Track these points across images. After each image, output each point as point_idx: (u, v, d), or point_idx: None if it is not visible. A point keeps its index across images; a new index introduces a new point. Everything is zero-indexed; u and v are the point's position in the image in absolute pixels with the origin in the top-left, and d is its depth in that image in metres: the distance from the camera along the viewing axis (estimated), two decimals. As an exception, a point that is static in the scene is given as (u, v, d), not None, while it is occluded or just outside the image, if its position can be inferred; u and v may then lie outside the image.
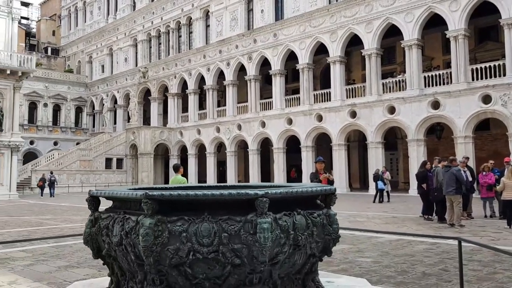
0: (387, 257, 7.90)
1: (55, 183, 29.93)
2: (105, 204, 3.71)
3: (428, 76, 25.75)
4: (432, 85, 25.21)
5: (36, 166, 36.37)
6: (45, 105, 44.57)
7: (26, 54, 31.51)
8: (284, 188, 3.48)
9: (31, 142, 43.22)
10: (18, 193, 30.02)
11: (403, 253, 8.33)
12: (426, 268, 6.94)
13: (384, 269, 6.96)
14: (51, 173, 31.04)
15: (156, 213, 3.30)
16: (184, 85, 38.61)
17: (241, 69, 34.78)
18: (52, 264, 7.55)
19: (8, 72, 28.50)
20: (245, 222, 3.22)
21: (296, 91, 33.15)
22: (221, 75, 36.05)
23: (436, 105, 24.49)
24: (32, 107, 43.95)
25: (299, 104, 31.38)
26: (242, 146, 36.06)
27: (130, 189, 3.99)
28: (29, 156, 41.78)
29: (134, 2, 43.79)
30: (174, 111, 39.10)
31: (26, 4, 58.43)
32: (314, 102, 30.81)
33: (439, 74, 25.35)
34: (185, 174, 35.74)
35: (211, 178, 36.05)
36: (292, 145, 32.48)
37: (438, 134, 28.46)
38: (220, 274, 3.28)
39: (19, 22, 50.84)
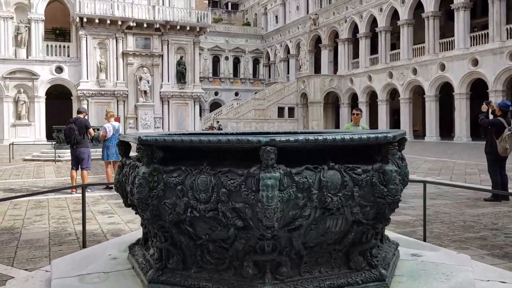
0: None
1: (221, 129, 32.36)
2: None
3: None
4: None
5: (218, 115, 39.52)
6: (226, 58, 47.62)
7: (204, 10, 33.65)
8: (306, 135, 2.66)
9: (216, 93, 47.00)
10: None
11: None
12: None
13: (540, 243, 5.40)
14: (218, 122, 33.51)
15: (156, 162, 2.88)
16: (355, 29, 36.78)
17: (418, 7, 31.34)
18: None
19: (188, 28, 30.98)
20: (248, 177, 2.56)
21: (485, 26, 28.57)
22: (394, 15, 33.15)
23: None
24: (215, 60, 47.43)
25: (487, 41, 27.05)
26: (420, 93, 33.08)
27: (177, 134, 3.63)
28: (214, 106, 45.61)
29: None
30: (344, 57, 37.78)
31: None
32: (507, 38, 26.17)
33: None
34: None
35: (384, 127, 34.26)
36: (479, 89, 28.45)
37: None
38: (225, 236, 2.72)
39: (203, -19, 54.65)
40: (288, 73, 46.20)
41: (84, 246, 5.34)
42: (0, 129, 27.82)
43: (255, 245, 2.70)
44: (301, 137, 2.58)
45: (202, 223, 2.73)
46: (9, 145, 17.21)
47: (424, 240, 5.56)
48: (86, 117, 9.65)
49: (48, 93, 29.18)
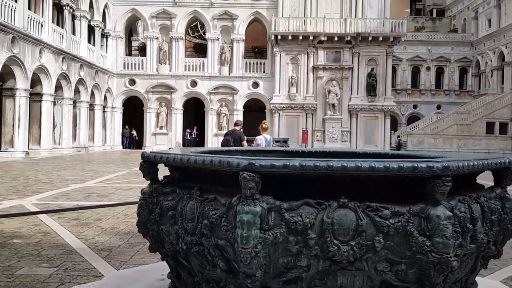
0: None
1: (401, 145, 31.37)
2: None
3: None
4: None
5: (413, 130, 37.05)
6: (428, 68, 44.36)
7: (400, 19, 31.92)
8: (310, 160, 2.04)
9: (414, 106, 44.16)
10: (392, 155, 31.42)
11: None
12: None
13: None
14: (398, 136, 32.78)
15: (160, 182, 2.60)
16: None
17: None
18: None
19: (380, 39, 29.84)
20: (229, 208, 2.09)
21: None
22: None
23: None
24: (415, 71, 44.61)
25: None
26: None
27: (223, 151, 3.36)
28: (412, 120, 42.87)
29: None
30: None
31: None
32: None
33: None
34: None
35: None
36: None
37: None
38: (217, 278, 2.28)
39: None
40: (502, 83, 40.43)
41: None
42: (205, 137, 31.54)
43: (248, 295, 2.17)
44: (293, 162, 1.97)
45: (193, 258, 2.34)
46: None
47: None
48: (241, 129, 9.91)
49: (245, 106, 31.67)
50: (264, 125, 10.11)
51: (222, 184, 2.25)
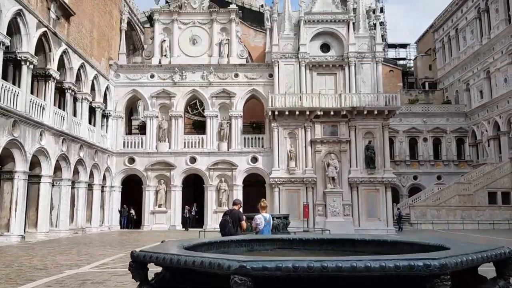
0: None
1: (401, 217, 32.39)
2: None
3: None
4: None
5: (415, 202, 36.74)
6: (425, 139, 44.88)
7: (393, 93, 32.75)
8: (305, 261, 1.92)
9: (415, 177, 44.12)
10: (395, 228, 30.88)
11: None
12: None
13: None
14: (398, 209, 32.81)
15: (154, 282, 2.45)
16: None
17: None
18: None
19: (376, 112, 30.49)
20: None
21: None
22: None
23: None
24: (412, 142, 45.08)
25: None
26: None
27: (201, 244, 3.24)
28: (413, 191, 42.63)
29: (510, 16, 39.00)
30: None
31: (404, 46, 61.84)
32: None
33: None
34: None
35: None
36: None
37: None
38: None
39: (396, 64, 54.45)
40: (500, 152, 40.71)
41: None
42: (204, 214, 31.14)
43: None
44: (286, 264, 1.85)
45: None
46: (199, 231, 18.68)
47: None
48: (240, 209, 9.75)
49: (245, 181, 31.62)
50: (262, 204, 9.95)
51: (214, 285, 2.11)
